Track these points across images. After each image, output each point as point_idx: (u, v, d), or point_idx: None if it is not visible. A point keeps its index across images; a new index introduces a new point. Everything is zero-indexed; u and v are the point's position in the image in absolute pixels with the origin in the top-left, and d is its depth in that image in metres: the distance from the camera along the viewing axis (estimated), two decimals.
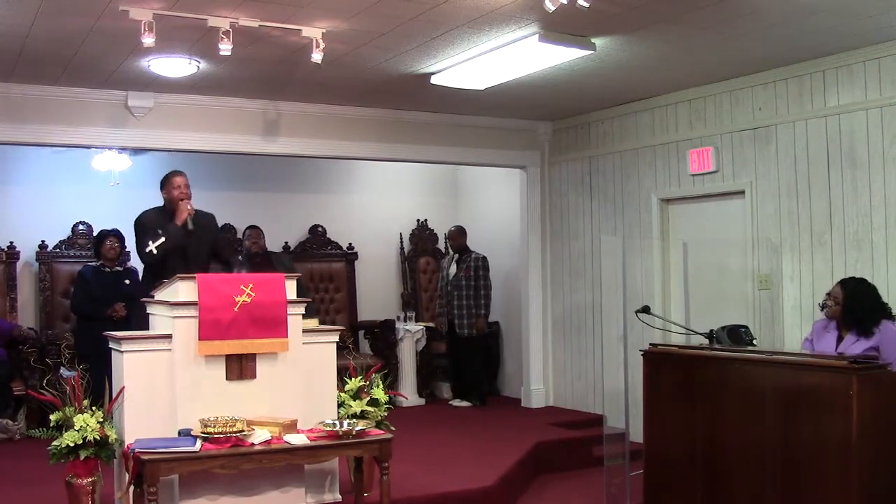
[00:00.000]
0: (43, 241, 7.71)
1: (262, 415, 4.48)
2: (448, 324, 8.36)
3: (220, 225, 6.07)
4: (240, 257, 7.43)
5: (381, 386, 5.17)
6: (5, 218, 7.68)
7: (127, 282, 6.96)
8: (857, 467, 4.10)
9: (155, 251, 5.33)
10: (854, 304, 4.89)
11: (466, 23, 5.08)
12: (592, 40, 5.45)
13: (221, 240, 6.12)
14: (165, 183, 5.58)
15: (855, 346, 4.82)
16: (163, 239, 5.32)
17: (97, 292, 6.79)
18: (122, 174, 7.85)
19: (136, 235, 5.52)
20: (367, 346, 8.75)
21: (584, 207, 8.03)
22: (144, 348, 4.44)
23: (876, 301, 4.94)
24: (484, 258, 8.38)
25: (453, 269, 8.39)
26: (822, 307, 5.10)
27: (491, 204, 9.28)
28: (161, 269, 5.20)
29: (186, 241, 5.42)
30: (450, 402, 8.49)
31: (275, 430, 4.36)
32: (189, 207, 5.44)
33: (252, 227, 7.63)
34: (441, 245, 9.59)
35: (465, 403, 8.34)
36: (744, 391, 4.69)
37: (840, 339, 4.97)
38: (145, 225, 5.46)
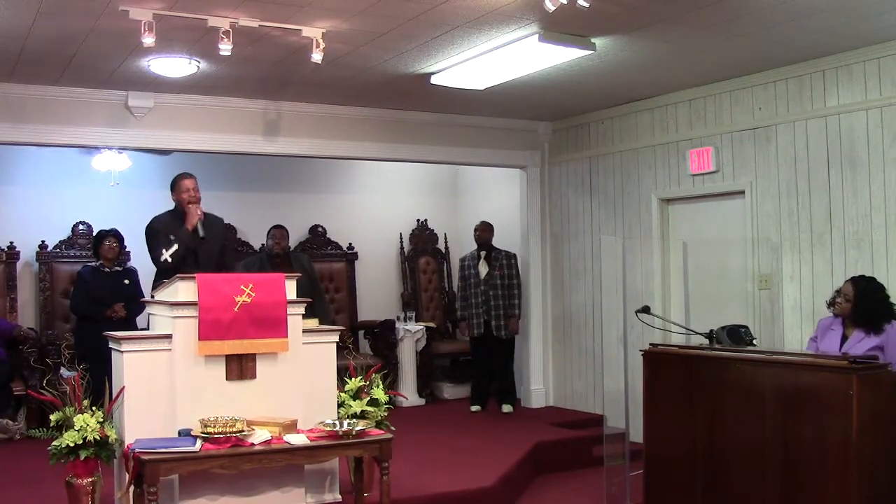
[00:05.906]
0: (43, 241, 7.71)
1: (262, 415, 4.48)
2: (485, 325, 7.91)
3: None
4: (242, 262, 7.37)
5: (381, 386, 5.16)
6: (5, 218, 7.68)
7: (126, 282, 6.94)
8: (857, 467, 4.10)
9: (170, 259, 5.29)
10: (865, 301, 4.90)
11: (466, 23, 5.08)
12: (592, 40, 5.45)
13: (226, 245, 5.95)
14: (174, 186, 5.51)
15: (861, 343, 4.82)
16: (176, 246, 5.27)
17: (96, 292, 6.77)
18: (121, 174, 7.86)
19: (148, 242, 5.45)
20: (367, 346, 8.75)
21: (584, 207, 8.03)
22: (144, 348, 4.44)
23: (886, 299, 4.95)
24: (515, 255, 8.11)
25: (483, 267, 7.95)
26: (830, 304, 5.11)
27: (491, 204, 9.27)
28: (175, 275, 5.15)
29: (197, 246, 5.37)
30: (506, 410, 7.98)
31: (275, 430, 4.36)
32: (199, 212, 5.37)
33: (277, 227, 7.47)
34: (441, 245, 9.59)
35: (508, 408, 7.97)
36: (744, 391, 4.69)
37: (844, 338, 4.97)
38: (158, 231, 5.40)
